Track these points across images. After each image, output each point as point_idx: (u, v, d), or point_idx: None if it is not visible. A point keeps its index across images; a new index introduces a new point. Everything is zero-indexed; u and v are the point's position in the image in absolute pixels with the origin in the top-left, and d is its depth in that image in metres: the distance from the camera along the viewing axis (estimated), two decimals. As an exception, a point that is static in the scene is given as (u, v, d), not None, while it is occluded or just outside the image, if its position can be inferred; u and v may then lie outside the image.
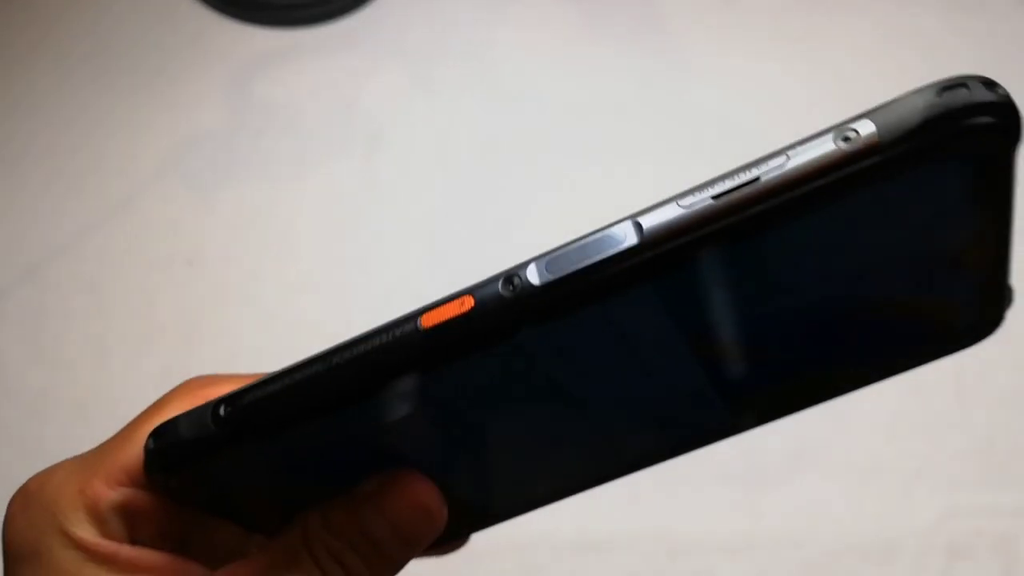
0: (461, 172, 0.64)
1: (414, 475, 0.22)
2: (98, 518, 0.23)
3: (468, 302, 0.17)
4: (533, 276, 0.17)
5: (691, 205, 0.16)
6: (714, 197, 0.16)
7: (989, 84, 0.17)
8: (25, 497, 0.24)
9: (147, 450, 0.21)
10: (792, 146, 0.16)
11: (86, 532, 0.23)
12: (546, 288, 0.17)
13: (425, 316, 0.18)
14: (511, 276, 0.17)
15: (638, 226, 0.16)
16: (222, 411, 0.19)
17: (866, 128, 0.16)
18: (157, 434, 0.21)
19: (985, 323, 0.21)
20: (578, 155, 0.65)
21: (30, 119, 0.65)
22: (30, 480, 0.24)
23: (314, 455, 0.21)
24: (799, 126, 0.68)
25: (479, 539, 0.26)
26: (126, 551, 0.23)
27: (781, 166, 0.16)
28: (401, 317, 0.18)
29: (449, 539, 0.25)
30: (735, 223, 0.16)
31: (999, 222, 0.18)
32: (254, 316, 0.57)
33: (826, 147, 0.16)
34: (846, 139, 0.16)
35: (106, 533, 0.23)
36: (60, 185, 0.62)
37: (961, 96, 0.16)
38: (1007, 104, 0.16)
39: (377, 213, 0.61)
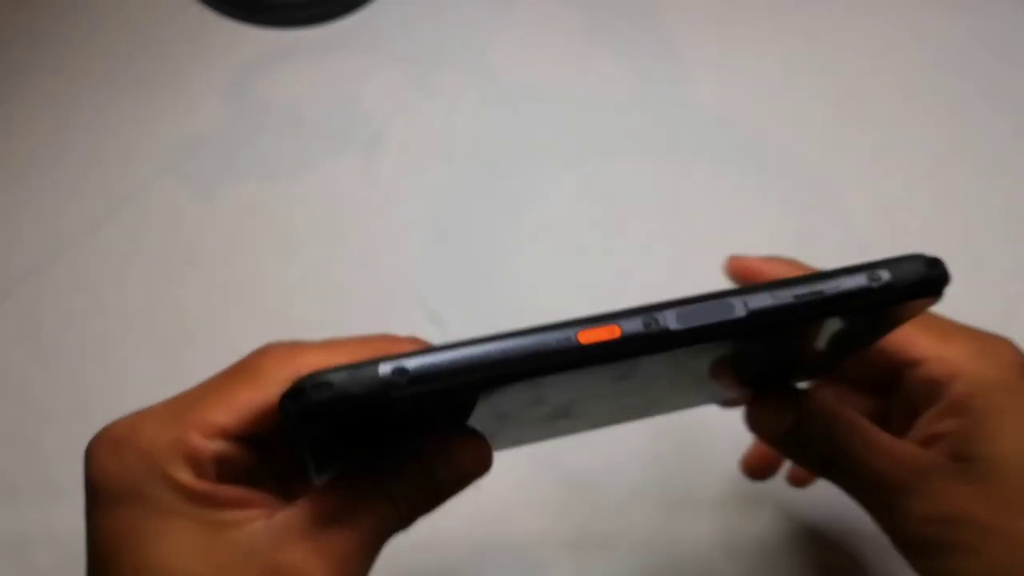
0: (461, 171, 0.64)
1: (473, 433, 0.29)
2: (195, 464, 0.27)
3: (616, 331, 0.24)
4: (671, 321, 0.24)
5: (780, 298, 0.25)
6: (795, 296, 0.25)
7: (937, 263, 0.28)
8: (112, 444, 0.27)
9: (305, 398, 0.24)
10: (836, 274, 0.26)
11: (185, 476, 0.27)
12: (678, 333, 0.24)
13: (582, 334, 0.24)
14: (649, 317, 0.24)
15: (745, 304, 0.25)
16: (411, 369, 0.24)
17: (885, 275, 0.27)
18: (319, 385, 0.24)
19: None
20: (578, 155, 0.65)
21: (30, 119, 0.65)
22: (114, 427, 0.28)
23: (427, 418, 0.27)
24: (800, 128, 0.68)
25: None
26: (222, 490, 0.27)
27: (837, 287, 0.26)
28: (558, 327, 0.24)
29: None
30: (802, 316, 0.25)
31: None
32: (254, 315, 0.57)
33: (860, 281, 0.27)
34: (874, 279, 0.27)
35: (200, 476, 0.27)
36: (60, 185, 0.62)
37: (938, 268, 0.28)
38: (946, 276, 0.28)
39: (377, 213, 0.61)
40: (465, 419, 0.28)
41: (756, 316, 0.25)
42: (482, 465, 0.29)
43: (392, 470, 0.28)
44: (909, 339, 0.34)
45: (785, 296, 0.25)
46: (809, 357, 0.32)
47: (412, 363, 0.24)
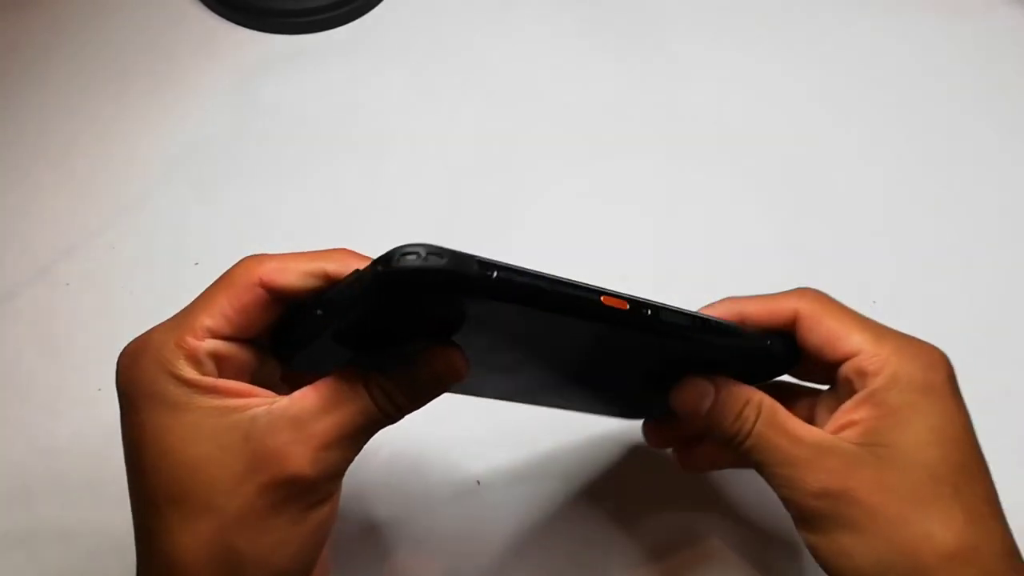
0: (461, 173, 0.64)
1: (454, 347, 0.32)
2: (195, 361, 0.31)
3: (625, 305, 0.31)
4: (666, 315, 0.33)
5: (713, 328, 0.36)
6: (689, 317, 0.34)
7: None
8: (132, 355, 0.32)
9: (394, 264, 0.27)
10: (746, 332, 0.38)
11: (189, 372, 0.31)
12: (665, 322, 0.33)
13: (604, 298, 0.31)
14: (647, 306, 0.32)
15: (693, 321, 0.35)
16: (494, 273, 0.28)
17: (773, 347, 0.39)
18: (407, 254, 0.27)
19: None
20: (577, 156, 0.65)
21: (39, 122, 0.66)
22: (129, 344, 0.32)
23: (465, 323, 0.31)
24: (794, 128, 0.69)
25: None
26: (223, 382, 0.31)
27: (738, 341, 0.37)
28: (591, 289, 0.31)
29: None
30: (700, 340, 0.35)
31: None
32: None
33: (760, 343, 0.38)
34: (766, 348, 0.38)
35: (203, 372, 0.31)
36: (69, 187, 0.62)
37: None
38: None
39: (381, 215, 0.62)
40: (450, 335, 0.32)
41: (692, 327, 0.34)
42: (456, 372, 0.32)
43: (378, 369, 0.32)
44: (847, 335, 0.36)
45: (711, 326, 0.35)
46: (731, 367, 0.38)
47: (499, 264, 0.28)
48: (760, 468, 0.36)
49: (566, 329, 0.31)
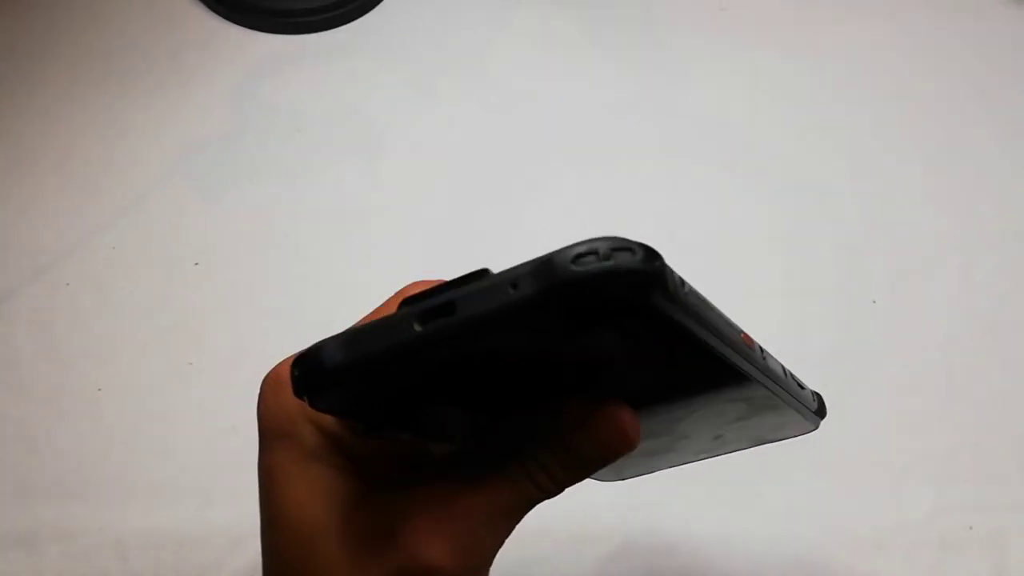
0: (461, 174, 0.64)
1: (620, 404, 0.24)
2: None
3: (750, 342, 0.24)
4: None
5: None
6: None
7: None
8: (277, 383, 0.27)
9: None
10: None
11: (331, 423, 0.26)
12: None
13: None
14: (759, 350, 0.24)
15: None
16: (686, 288, 0.21)
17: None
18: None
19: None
20: (578, 159, 0.65)
21: (40, 122, 0.66)
22: (281, 366, 0.27)
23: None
24: (793, 128, 0.69)
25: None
26: (362, 444, 0.26)
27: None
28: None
29: None
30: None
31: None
32: (259, 316, 0.57)
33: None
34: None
35: (344, 425, 0.26)
36: (70, 187, 0.62)
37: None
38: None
39: (380, 215, 0.62)
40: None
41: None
42: (627, 439, 0.25)
43: (529, 436, 0.25)
44: None
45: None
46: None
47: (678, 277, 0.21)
48: None
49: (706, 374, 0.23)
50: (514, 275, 0.20)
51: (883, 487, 0.52)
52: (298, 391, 0.22)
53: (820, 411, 0.30)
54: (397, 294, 0.28)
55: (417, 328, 0.21)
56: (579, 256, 0.19)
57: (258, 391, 0.27)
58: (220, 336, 0.56)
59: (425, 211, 0.62)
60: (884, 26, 0.73)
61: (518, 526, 0.25)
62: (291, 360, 0.24)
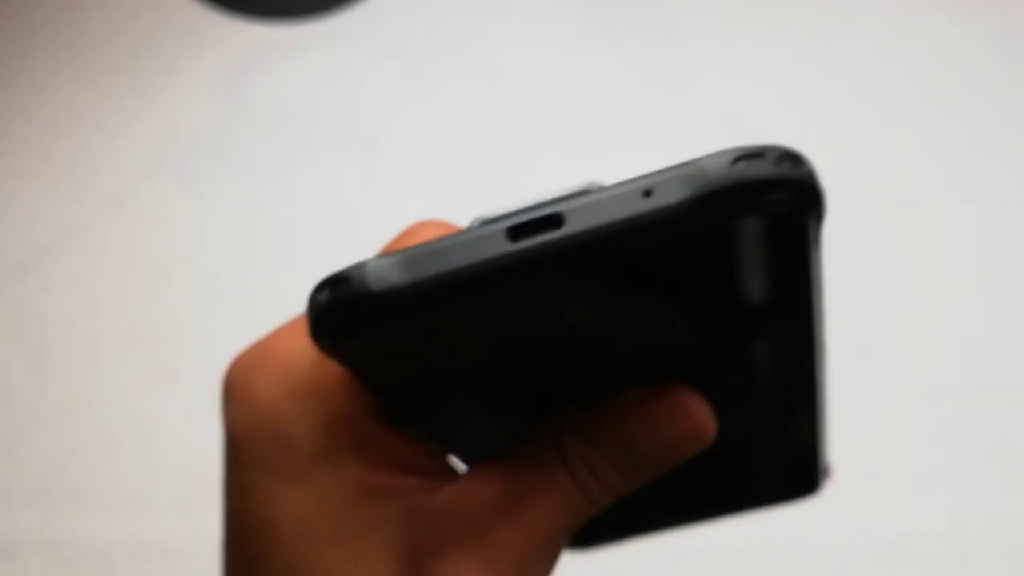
0: (459, 168, 0.64)
1: (689, 391, 0.20)
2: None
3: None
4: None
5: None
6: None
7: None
8: (248, 371, 0.22)
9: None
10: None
11: (343, 402, 0.20)
12: None
13: None
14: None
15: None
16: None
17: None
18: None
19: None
20: (579, 150, 0.65)
21: (20, 115, 0.65)
22: (249, 349, 0.22)
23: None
24: (805, 119, 0.67)
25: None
26: (376, 440, 0.21)
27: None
28: None
29: None
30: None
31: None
32: (247, 315, 0.57)
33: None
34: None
35: (361, 402, 0.20)
36: (50, 182, 0.62)
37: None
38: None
39: (373, 210, 0.61)
40: None
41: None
42: (700, 431, 0.20)
43: (575, 433, 0.21)
44: None
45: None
46: None
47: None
48: None
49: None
50: (645, 183, 0.17)
51: (901, 496, 0.52)
52: (320, 326, 0.17)
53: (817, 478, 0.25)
54: (404, 233, 0.22)
55: (509, 245, 0.17)
56: (738, 159, 0.16)
57: (221, 389, 0.21)
58: (205, 336, 0.56)
59: (419, 205, 0.62)
60: (901, 16, 0.73)
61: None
62: (262, 342, 0.20)
